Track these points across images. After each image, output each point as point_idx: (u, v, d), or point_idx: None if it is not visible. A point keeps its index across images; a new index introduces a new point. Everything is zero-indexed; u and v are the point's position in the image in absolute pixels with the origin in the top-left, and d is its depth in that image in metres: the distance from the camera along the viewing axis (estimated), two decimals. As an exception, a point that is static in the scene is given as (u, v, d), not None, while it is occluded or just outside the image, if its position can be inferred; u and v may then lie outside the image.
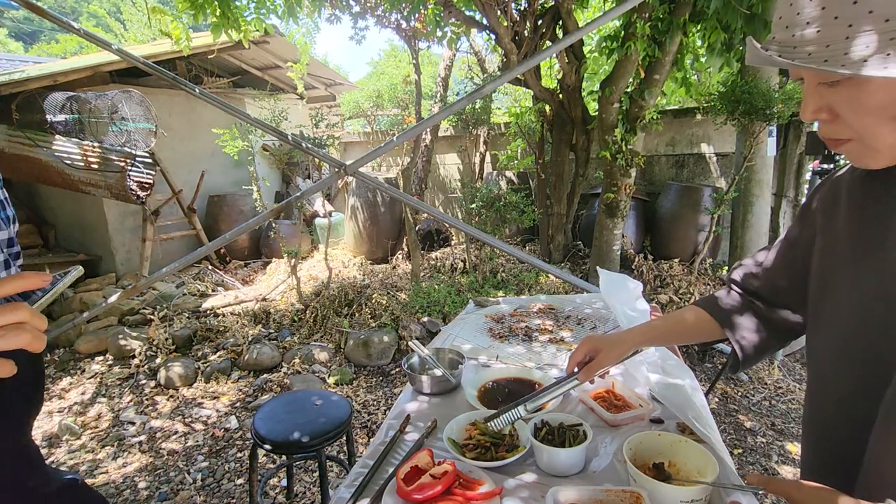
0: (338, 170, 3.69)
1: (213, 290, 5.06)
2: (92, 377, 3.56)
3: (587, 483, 1.00)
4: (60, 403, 3.25)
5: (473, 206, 4.78)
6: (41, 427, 2.98)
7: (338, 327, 3.91)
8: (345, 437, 1.92)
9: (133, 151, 4.49)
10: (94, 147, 4.45)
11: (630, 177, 4.07)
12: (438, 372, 1.45)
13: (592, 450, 1.11)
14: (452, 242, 6.48)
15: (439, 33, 4.60)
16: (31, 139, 4.43)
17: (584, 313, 2.00)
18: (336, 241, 6.26)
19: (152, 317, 3.97)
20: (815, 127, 0.67)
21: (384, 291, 4.59)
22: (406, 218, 4.77)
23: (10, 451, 1.26)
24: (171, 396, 3.25)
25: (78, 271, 1.35)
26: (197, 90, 3.59)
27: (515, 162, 5.77)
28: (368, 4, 4.88)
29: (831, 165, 2.89)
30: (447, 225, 6.39)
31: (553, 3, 4.26)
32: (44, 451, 2.74)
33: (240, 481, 2.46)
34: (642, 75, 3.85)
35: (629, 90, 3.95)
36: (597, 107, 4.25)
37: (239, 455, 2.66)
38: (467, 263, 5.05)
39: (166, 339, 3.71)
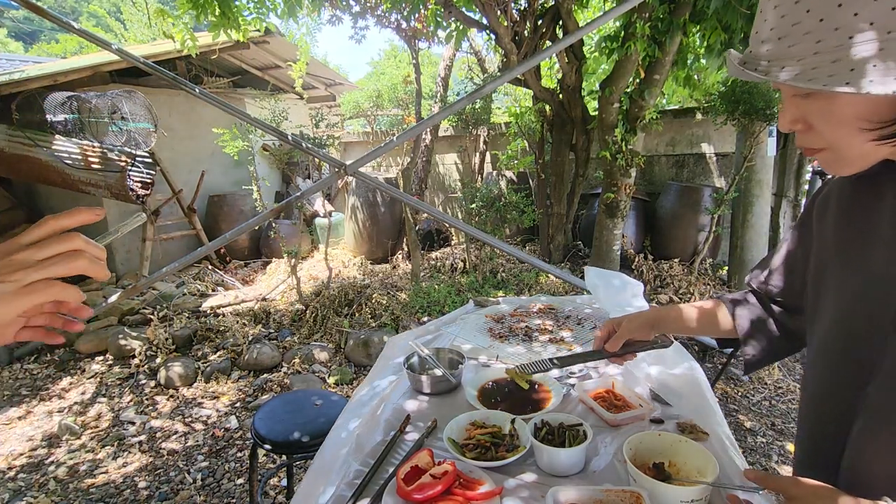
0: (338, 170, 3.69)
1: (213, 290, 5.06)
2: (92, 377, 3.56)
3: (587, 483, 1.00)
4: (60, 403, 3.25)
5: (473, 206, 4.79)
6: (41, 427, 2.98)
7: (338, 327, 3.91)
8: (345, 437, 1.92)
9: (133, 151, 4.49)
10: (94, 147, 4.45)
11: (630, 177, 4.07)
12: (438, 372, 1.45)
13: (592, 450, 1.11)
14: (452, 242, 6.48)
15: (441, 33, 4.59)
16: (31, 139, 4.43)
17: (584, 313, 2.00)
18: (336, 241, 6.26)
19: (152, 317, 3.97)
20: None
21: (384, 291, 4.59)
22: (406, 218, 4.77)
23: None
24: (171, 396, 3.25)
25: (141, 218, 1.37)
26: (197, 90, 3.59)
27: (515, 162, 5.77)
28: (368, 4, 4.88)
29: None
30: (447, 225, 6.39)
31: (553, 3, 4.26)
32: (44, 451, 2.74)
33: (240, 481, 2.46)
34: (642, 75, 3.85)
35: (629, 90, 3.96)
36: (597, 107, 4.26)
37: (239, 455, 2.66)
38: (467, 263, 5.05)
39: (166, 339, 3.71)
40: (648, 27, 3.57)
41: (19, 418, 3.09)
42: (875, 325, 0.65)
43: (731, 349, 1.13)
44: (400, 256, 5.76)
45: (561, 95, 4.73)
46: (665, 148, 5.35)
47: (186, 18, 4.12)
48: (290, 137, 3.98)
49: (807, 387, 0.80)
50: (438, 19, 4.48)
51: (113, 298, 3.87)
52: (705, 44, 3.70)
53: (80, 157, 4.45)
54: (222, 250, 5.96)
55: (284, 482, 2.33)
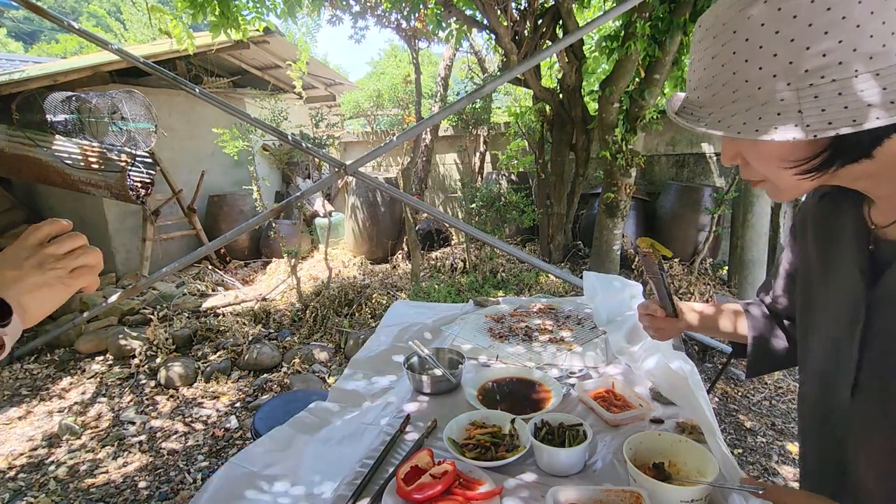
0: (338, 170, 3.70)
1: (213, 290, 5.06)
2: (92, 377, 3.56)
3: (587, 483, 1.00)
4: (61, 403, 3.25)
5: (473, 206, 4.79)
6: (41, 427, 2.98)
7: (338, 327, 3.91)
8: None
9: (133, 151, 4.49)
10: (94, 147, 4.45)
11: (630, 176, 4.07)
12: (438, 372, 1.45)
13: (592, 450, 1.11)
14: (452, 242, 6.48)
15: (441, 33, 4.59)
16: (31, 139, 4.43)
17: (584, 313, 2.00)
18: (336, 240, 6.26)
19: (152, 317, 3.97)
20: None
21: (384, 291, 4.59)
22: (406, 218, 4.77)
23: None
24: (172, 396, 3.25)
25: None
26: (197, 90, 3.59)
27: (515, 162, 5.77)
28: (368, 4, 4.88)
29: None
30: (447, 225, 6.39)
31: (553, 2, 4.26)
32: (44, 451, 2.74)
33: (240, 481, 2.46)
34: (642, 75, 3.85)
35: (629, 90, 3.95)
36: (597, 107, 4.25)
37: (239, 455, 2.66)
38: (467, 263, 5.05)
39: (166, 339, 3.71)
40: (649, 27, 3.57)
41: (19, 418, 3.09)
42: (848, 343, 0.68)
43: (733, 351, 1.13)
44: (400, 256, 5.76)
45: (561, 95, 4.73)
46: (665, 148, 5.35)
47: (184, 17, 4.11)
48: (290, 137, 3.99)
49: (804, 398, 0.82)
50: (438, 19, 4.48)
51: (113, 298, 3.88)
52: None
53: (80, 157, 4.45)
54: (222, 250, 5.96)
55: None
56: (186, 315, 4.25)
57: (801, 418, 0.83)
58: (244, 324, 4.02)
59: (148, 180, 4.62)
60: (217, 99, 3.68)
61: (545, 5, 4.41)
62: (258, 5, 4.04)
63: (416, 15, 4.77)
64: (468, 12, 4.37)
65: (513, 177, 5.91)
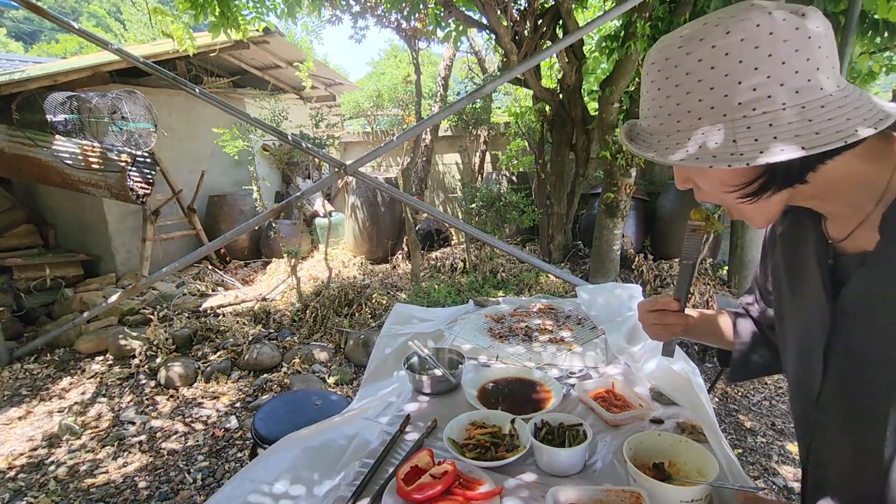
0: (338, 170, 3.70)
1: (213, 290, 5.06)
2: (92, 377, 3.56)
3: (587, 483, 1.00)
4: (60, 403, 3.25)
5: (473, 206, 4.79)
6: (41, 427, 2.98)
7: (338, 327, 3.91)
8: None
9: (133, 151, 4.49)
10: (94, 147, 4.45)
11: (630, 176, 4.07)
12: (438, 372, 1.45)
13: (592, 450, 1.11)
14: (452, 242, 6.48)
15: (440, 33, 4.59)
16: (31, 139, 4.43)
17: (584, 313, 2.00)
18: (336, 240, 6.26)
19: (152, 317, 3.97)
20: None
21: (384, 291, 4.59)
22: (406, 218, 4.77)
23: None
24: (172, 396, 3.25)
25: None
26: (197, 90, 3.59)
27: (515, 162, 5.77)
28: (368, 4, 4.88)
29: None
30: (447, 225, 6.39)
31: (553, 2, 4.26)
32: (44, 451, 2.74)
33: (240, 481, 2.46)
34: (643, 75, 3.85)
35: (629, 90, 3.95)
36: (597, 106, 4.25)
37: (239, 455, 2.66)
38: (467, 263, 5.05)
39: (166, 339, 3.71)
40: (649, 27, 3.57)
41: (19, 418, 3.09)
42: (814, 359, 0.71)
43: (718, 358, 1.14)
44: (400, 256, 5.76)
45: (561, 95, 4.73)
46: (665, 148, 5.35)
47: (185, 17, 4.12)
48: (290, 137, 3.99)
49: (792, 413, 0.84)
50: (438, 19, 4.48)
51: (113, 298, 3.88)
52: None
53: (80, 157, 4.45)
54: (222, 250, 5.96)
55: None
56: (186, 315, 4.25)
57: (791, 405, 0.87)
58: (244, 324, 4.02)
59: (148, 180, 4.62)
60: (217, 99, 3.68)
61: (545, 5, 4.41)
62: (258, 5, 4.04)
63: (416, 15, 4.77)
64: (468, 13, 4.37)
65: (513, 177, 5.91)
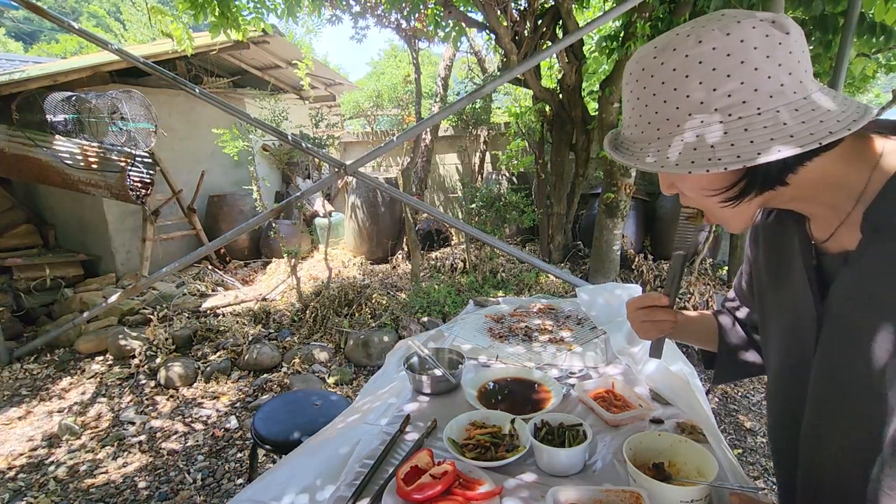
0: (338, 170, 3.70)
1: (213, 290, 5.06)
2: (92, 377, 3.56)
3: (587, 483, 1.00)
4: (60, 403, 3.25)
5: (473, 206, 4.79)
6: (41, 427, 2.98)
7: (338, 327, 3.91)
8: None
9: (133, 151, 4.49)
10: (94, 147, 4.45)
11: (630, 176, 4.07)
12: (438, 372, 1.45)
13: (592, 450, 1.11)
14: (452, 242, 6.48)
15: (441, 33, 4.60)
16: (31, 139, 4.43)
17: (584, 313, 2.00)
18: (336, 240, 6.26)
19: (152, 317, 3.97)
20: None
21: (384, 291, 4.59)
22: (406, 218, 4.77)
23: None
24: (171, 396, 3.25)
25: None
26: (197, 90, 3.59)
27: (515, 162, 5.77)
28: (368, 4, 4.88)
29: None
30: (447, 225, 6.39)
31: (553, 2, 4.26)
32: (44, 451, 2.74)
33: (240, 481, 2.46)
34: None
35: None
36: (597, 107, 4.25)
37: (239, 455, 2.66)
38: (467, 263, 5.05)
39: (166, 339, 3.71)
40: (649, 27, 3.57)
41: (19, 418, 3.09)
42: (803, 358, 0.71)
43: (702, 360, 1.14)
44: (400, 256, 5.76)
45: (561, 95, 4.73)
46: (665, 148, 5.35)
47: (185, 18, 4.11)
48: (290, 137, 3.99)
49: (770, 410, 0.84)
50: (438, 19, 4.48)
51: (113, 298, 3.88)
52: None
53: (80, 157, 4.45)
54: (222, 250, 5.95)
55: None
56: (186, 315, 4.25)
57: (768, 416, 0.85)
58: (244, 324, 4.02)
59: (148, 180, 4.62)
60: (217, 99, 3.68)
61: (545, 5, 4.41)
62: (258, 5, 4.03)
63: (416, 15, 4.77)
64: (468, 13, 4.37)
65: (513, 177, 5.91)
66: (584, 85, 4.80)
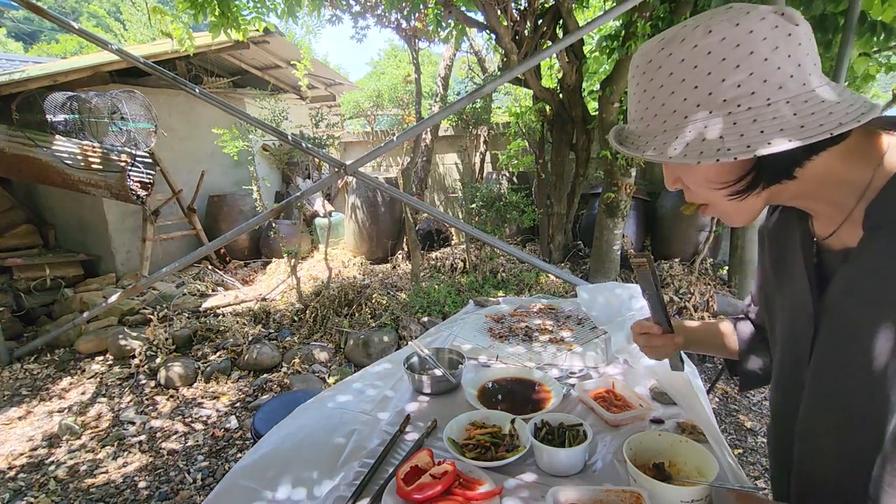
0: (338, 170, 3.70)
1: (213, 290, 5.06)
2: (92, 377, 3.56)
3: (587, 483, 1.00)
4: (60, 403, 3.25)
5: (473, 206, 4.79)
6: (41, 427, 2.98)
7: (338, 327, 3.91)
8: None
9: (133, 151, 4.49)
10: (94, 147, 4.45)
11: (630, 176, 4.07)
12: (438, 372, 1.45)
13: (592, 450, 1.11)
14: (452, 242, 6.48)
15: (441, 33, 4.59)
16: (31, 139, 4.43)
17: (584, 313, 1.99)
18: (336, 240, 6.26)
19: (152, 317, 3.97)
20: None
21: (384, 291, 4.59)
22: (406, 218, 4.77)
23: None
24: (171, 396, 3.25)
25: None
26: (197, 90, 3.60)
27: (515, 162, 5.77)
28: (368, 4, 4.88)
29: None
30: (447, 225, 6.38)
31: (553, 2, 4.26)
32: (44, 451, 2.74)
33: (240, 481, 2.46)
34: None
35: (629, 90, 3.94)
36: (597, 106, 4.25)
37: (239, 455, 2.66)
38: (467, 263, 5.05)
39: (166, 339, 3.71)
40: (649, 26, 3.57)
41: (19, 418, 3.09)
42: (800, 355, 0.71)
43: (726, 368, 1.14)
44: (400, 256, 5.76)
45: (561, 95, 4.73)
46: (665, 148, 5.34)
47: (185, 17, 4.11)
48: (290, 137, 3.99)
49: (770, 406, 0.85)
50: (438, 19, 4.48)
51: (113, 298, 3.88)
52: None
53: (80, 157, 4.45)
54: (222, 250, 5.95)
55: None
56: (186, 315, 4.25)
57: (769, 425, 0.86)
58: (244, 324, 4.02)
59: (148, 180, 4.62)
60: (217, 99, 3.68)
61: (545, 5, 4.41)
62: (258, 5, 4.03)
63: (416, 15, 4.77)
64: (468, 12, 4.37)
65: (513, 177, 5.91)
66: (584, 85, 4.80)
